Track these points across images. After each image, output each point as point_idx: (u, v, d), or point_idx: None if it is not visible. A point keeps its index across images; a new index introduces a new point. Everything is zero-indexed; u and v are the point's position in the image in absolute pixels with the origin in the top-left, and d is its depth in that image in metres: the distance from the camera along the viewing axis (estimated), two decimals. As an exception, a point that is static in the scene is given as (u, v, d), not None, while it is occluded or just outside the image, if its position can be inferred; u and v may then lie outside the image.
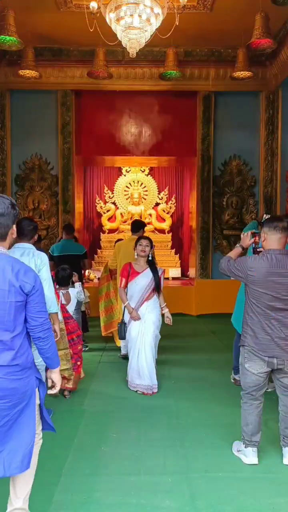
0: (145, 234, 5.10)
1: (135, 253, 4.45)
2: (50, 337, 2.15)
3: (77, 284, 4.70)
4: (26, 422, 2.06)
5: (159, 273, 4.47)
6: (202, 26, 6.93)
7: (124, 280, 4.45)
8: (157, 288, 4.40)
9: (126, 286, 4.46)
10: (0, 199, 2.04)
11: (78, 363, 4.13)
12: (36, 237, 3.56)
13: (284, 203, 8.01)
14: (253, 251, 3.24)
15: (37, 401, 2.18)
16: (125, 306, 4.45)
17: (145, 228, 8.47)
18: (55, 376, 2.28)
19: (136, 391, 4.27)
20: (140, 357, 4.29)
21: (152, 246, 4.50)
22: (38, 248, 3.65)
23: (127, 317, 4.45)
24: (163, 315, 4.47)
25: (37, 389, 2.16)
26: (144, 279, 4.38)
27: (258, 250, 3.12)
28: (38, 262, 3.27)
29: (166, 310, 4.45)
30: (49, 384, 2.33)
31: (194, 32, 7.07)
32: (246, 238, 3.23)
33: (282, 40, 7.08)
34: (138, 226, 5.55)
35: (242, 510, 2.48)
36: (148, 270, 4.43)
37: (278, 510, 2.50)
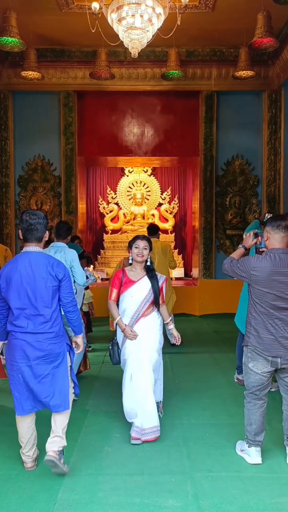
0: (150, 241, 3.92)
1: (130, 257, 3.61)
2: (76, 311, 2.94)
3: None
4: (61, 376, 2.81)
5: (160, 282, 3.58)
6: (204, 26, 6.93)
7: (115, 291, 3.54)
8: (156, 301, 3.52)
9: (117, 298, 3.57)
10: (37, 212, 2.83)
11: None
12: (69, 237, 4.36)
13: None
14: (256, 251, 3.23)
15: (69, 363, 2.90)
16: (116, 323, 3.55)
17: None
18: (79, 340, 3.05)
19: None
20: (135, 389, 3.38)
21: (151, 248, 3.62)
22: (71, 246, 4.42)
23: (120, 337, 3.56)
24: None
25: (68, 354, 2.89)
26: (141, 289, 3.49)
27: (260, 250, 3.12)
28: (69, 258, 3.95)
29: (172, 327, 3.67)
30: (73, 346, 3.04)
31: (196, 31, 7.07)
32: (249, 239, 3.22)
33: (285, 39, 7.07)
34: (155, 229, 5.90)
35: (245, 510, 2.48)
36: (146, 278, 3.54)
37: (281, 509, 2.49)
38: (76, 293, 4.19)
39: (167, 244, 6.06)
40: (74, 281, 4.10)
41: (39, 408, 2.85)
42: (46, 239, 2.88)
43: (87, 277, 4.27)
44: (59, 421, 2.85)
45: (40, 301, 2.74)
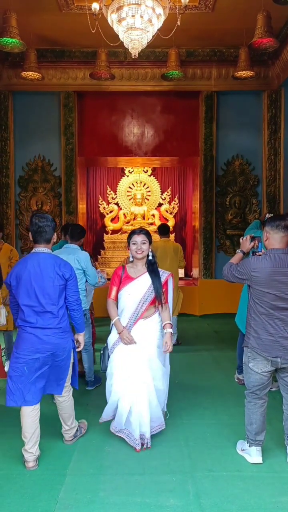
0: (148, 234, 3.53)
1: (130, 255, 3.36)
2: (80, 309, 3.14)
3: None
4: (63, 368, 3.04)
5: (163, 278, 3.29)
6: (203, 26, 6.93)
7: (114, 289, 3.30)
8: (158, 298, 3.24)
9: (117, 297, 3.32)
10: (46, 215, 3.05)
11: None
12: (82, 239, 4.50)
13: None
14: (253, 255, 3.21)
15: (72, 359, 3.10)
16: (113, 324, 3.29)
17: (148, 229, 8.47)
18: (80, 337, 3.26)
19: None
20: (131, 400, 3.13)
21: (151, 241, 3.34)
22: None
23: (112, 341, 3.28)
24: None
25: (72, 350, 3.08)
26: (140, 287, 3.24)
27: (257, 254, 3.10)
28: (80, 261, 4.15)
29: (168, 331, 3.24)
30: (75, 343, 3.22)
31: (195, 32, 7.08)
32: (246, 242, 3.20)
33: (284, 39, 7.07)
34: (166, 229, 6.06)
35: (246, 509, 2.49)
36: (146, 275, 3.28)
37: (282, 509, 2.50)
38: (86, 292, 4.38)
39: (178, 245, 6.21)
40: (86, 281, 4.29)
41: (40, 399, 3.01)
42: (55, 240, 3.10)
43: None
44: (66, 418, 3.19)
45: (48, 299, 2.93)
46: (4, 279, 4.33)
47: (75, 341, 3.20)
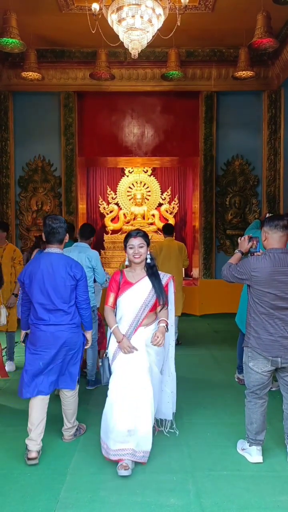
0: (145, 236, 3.26)
1: (127, 259, 3.16)
2: (89, 308, 3.24)
3: None
4: (74, 361, 3.16)
5: (163, 281, 3.14)
6: (203, 26, 6.94)
7: (112, 295, 3.13)
8: (160, 302, 3.09)
9: (115, 304, 3.16)
10: (59, 217, 3.20)
11: None
12: (92, 238, 4.58)
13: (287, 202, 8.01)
14: (250, 255, 3.21)
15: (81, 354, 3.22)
16: (111, 332, 3.11)
17: (148, 229, 8.51)
18: (88, 335, 3.32)
19: (118, 460, 2.85)
20: (130, 407, 2.90)
21: (149, 244, 3.15)
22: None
23: (112, 350, 3.10)
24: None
25: (82, 345, 3.21)
26: (140, 292, 3.07)
27: (255, 254, 3.10)
28: (91, 259, 4.25)
29: (161, 325, 3.07)
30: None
31: (195, 32, 7.09)
32: (244, 243, 3.20)
33: (284, 39, 7.08)
34: (170, 229, 6.14)
35: (246, 508, 2.49)
36: (146, 279, 3.10)
37: (282, 508, 2.50)
38: (94, 291, 4.42)
39: (182, 244, 6.27)
40: (95, 280, 4.35)
41: (51, 390, 3.11)
42: (66, 241, 3.22)
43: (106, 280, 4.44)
44: (70, 415, 3.28)
45: (60, 297, 3.05)
46: (5, 279, 4.37)
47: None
